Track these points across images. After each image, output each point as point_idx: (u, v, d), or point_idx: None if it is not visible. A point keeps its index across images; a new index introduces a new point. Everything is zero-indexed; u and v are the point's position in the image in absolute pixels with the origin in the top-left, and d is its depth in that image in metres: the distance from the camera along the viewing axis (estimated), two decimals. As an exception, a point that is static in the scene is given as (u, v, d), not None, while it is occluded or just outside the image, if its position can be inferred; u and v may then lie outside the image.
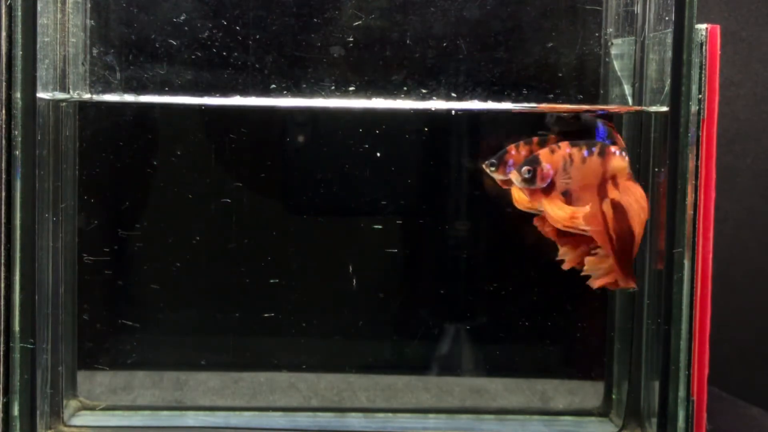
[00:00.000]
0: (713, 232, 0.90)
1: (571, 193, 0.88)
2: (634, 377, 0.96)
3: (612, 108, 0.97)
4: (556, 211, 0.87)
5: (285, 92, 0.94)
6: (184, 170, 0.97)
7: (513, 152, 0.89)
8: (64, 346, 0.95)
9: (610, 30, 0.96)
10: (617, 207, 0.87)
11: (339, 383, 1.00)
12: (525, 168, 0.86)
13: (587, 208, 0.86)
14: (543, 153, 0.87)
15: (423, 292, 1.01)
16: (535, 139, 0.90)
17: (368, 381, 1.01)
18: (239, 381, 1.00)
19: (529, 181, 0.87)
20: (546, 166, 0.86)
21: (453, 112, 0.96)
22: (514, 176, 0.87)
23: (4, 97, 0.85)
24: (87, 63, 0.94)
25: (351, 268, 0.98)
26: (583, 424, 0.99)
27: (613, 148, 0.88)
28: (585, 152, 0.87)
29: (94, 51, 0.94)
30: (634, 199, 0.88)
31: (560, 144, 0.88)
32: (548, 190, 0.87)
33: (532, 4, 0.95)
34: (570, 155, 0.87)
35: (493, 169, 0.89)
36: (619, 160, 0.88)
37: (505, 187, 0.90)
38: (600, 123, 0.90)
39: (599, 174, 0.88)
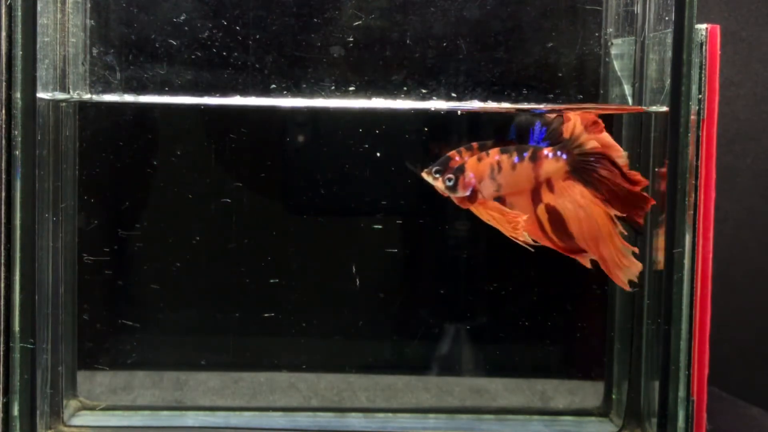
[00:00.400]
0: (713, 232, 0.90)
1: (504, 200, 0.88)
2: (634, 377, 0.96)
3: (612, 108, 0.97)
4: (494, 215, 0.87)
5: (285, 92, 0.94)
6: (184, 170, 0.97)
7: (457, 158, 0.89)
8: (64, 346, 0.95)
9: (610, 30, 0.96)
10: (552, 211, 0.87)
11: (339, 383, 1.00)
12: (447, 176, 0.87)
13: (524, 216, 0.87)
14: (470, 161, 0.87)
15: (423, 292, 1.01)
16: (475, 144, 0.89)
17: (368, 381, 1.01)
18: (239, 381, 1.00)
19: (452, 189, 0.87)
20: (469, 174, 0.87)
21: (459, 112, 0.96)
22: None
23: (4, 97, 0.85)
24: (87, 63, 0.94)
25: (354, 269, 0.98)
26: (583, 424, 0.99)
27: (546, 151, 0.88)
28: (515, 158, 0.87)
29: (94, 51, 0.94)
30: (570, 200, 0.88)
31: (489, 151, 0.87)
32: (473, 198, 0.88)
33: (532, 4, 0.95)
34: (498, 162, 0.87)
35: (437, 176, 0.88)
36: (552, 162, 0.88)
37: (444, 195, 0.90)
38: (538, 124, 0.89)
39: (532, 179, 0.88)
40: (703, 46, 0.88)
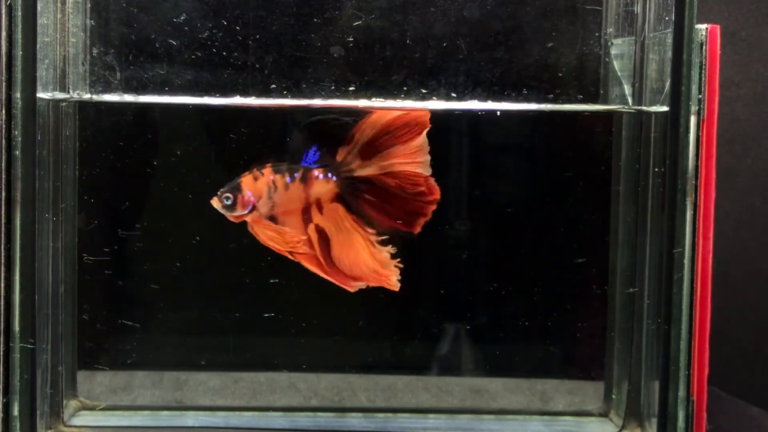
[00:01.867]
0: (713, 232, 0.90)
1: (277, 219, 0.89)
2: (634, 377, 0.96)
3: (612, 108, 0.97)
4: (270, 235, 0.88)
5: (285, 92, 0.94)
6: (184, 170, 0.97)
7: (250, 182, 0.89)
8: (64, 346, 0.95)
9: (610, 30, 0.96)
10: (320, 232, 0.89)
11: (339, 383, 1.00)
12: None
13: (299, 236, 0.89)
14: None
15: (423, 292, 1.01)
16: (269, 165, 0.90)
17: (368, 381, 1.01)
18: (239, 381, 1.00)
19: (230, 208, 0.88)
20: (247, 193, 0.88)
21: (470, 110, 0.96)
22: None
23: (4, 97, 0.85)
24: (87, 63, 0.94)
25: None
26: (583, 424, 0.99)
27: (316, 172, 0.89)
28: (288, 178, 0.89)
29: (94, 51, 0.94)
30: (334, 223, 0.89)
31: (263, 171, 0.89)
32: (250, 216, 0.89)
33: (532, 4, 0.95)
34: (273, 182, 0.89)
35: (228, 202, 0.89)
36: (322, 184, 0.89)
37: (238, 221, 0.90)
38: (314, 147, 0.90)
39: (303, 199, 0.89)
40: (703, 46, 0.88)
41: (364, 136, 0.90)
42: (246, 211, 0.89)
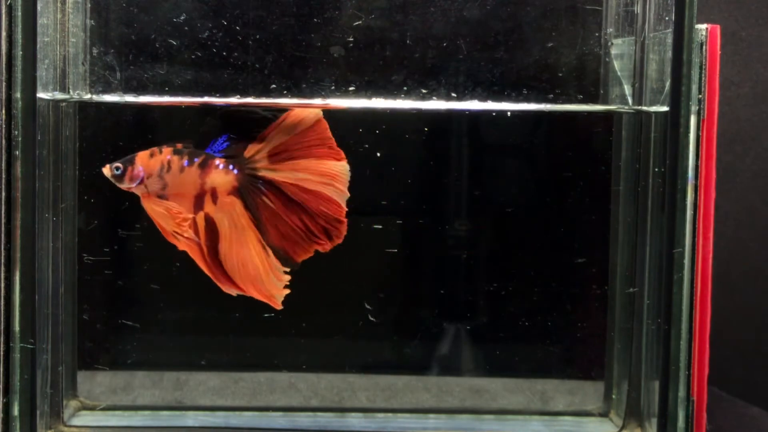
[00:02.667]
0: (713, 232, 0.90)
1: (167, 200, 0.89)
2: (634, 377, 0.96)
3: (612, 108, 0.97)
4: (158, 211, 0.88)
5: (285, 92, 0.94)
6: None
7: (145, 158, 0.89)
8: (64, 346, 0.95)
9: (610, 30, 0.96)
10: (210, 222, 0.88)
11: (339, 383, 1.00)
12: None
13: (190, 216, 0.88)
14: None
15: (423, 292, 1.01)
16: (171, 146, 0.90)
17: (368, 381, 1.01)
18: (239, 381, 1.00)
19: (118, 178, 0.88)
20: (138, 167, 0.88)
21: (470, 111, 0.96)
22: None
23: (4, 97, 0.85)
24: (87, 63, 0.94)
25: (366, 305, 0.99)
26: (583, 424, 0.99)
27: (218, 161, 0.88)
28: (185, 162, 0.88)
29: (94, 51, 0.94)
30: (228, 216, 0.89)
31: (163, 149, 0.88)
32: (139, 191, 0.89)
33: (532, 4, 0.95)
34: (169, 162, 0.88)
35: (117, 172, 0.89)
36: (221, 174, 0.88)
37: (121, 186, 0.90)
38: (225, 136, 0.90)
39: (197, 185, 0.88)
40: (703, 46, 0.88)
41: (276, 138, 0.89)
42: (133, 185, 0.88)
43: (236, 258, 0.89)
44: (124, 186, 0.89)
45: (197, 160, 0.88)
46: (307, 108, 0.90)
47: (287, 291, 0.90)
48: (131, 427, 0.96)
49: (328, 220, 0.90)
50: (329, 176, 0.89)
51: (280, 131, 0.89)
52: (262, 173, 0.89)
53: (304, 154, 0.89)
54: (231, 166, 0.89)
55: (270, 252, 0.90)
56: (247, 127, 0.89)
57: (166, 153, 0.88)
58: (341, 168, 0.89)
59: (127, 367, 0.99)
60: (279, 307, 0.90)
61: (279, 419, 0.98)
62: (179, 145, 0.89)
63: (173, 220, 0.88)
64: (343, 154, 0.89)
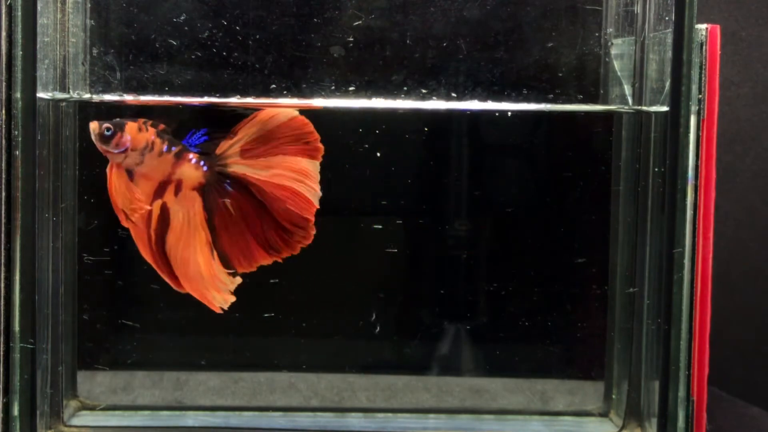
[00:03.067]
0: (713, 232, 0.90)
1: (134, 176, 0.88)
2: (634, 377, 0.96)
3: (612, 108, 0.97)
4: (121, 188, 0.88)
5: (285, 92, 0.94)
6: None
7: (134, 129, 0.89)
8: (64, 346, 0.95)
9: (610, 30, 0.96)
10: (164, 211, 0.89)
11: (339, 383, 1.00)
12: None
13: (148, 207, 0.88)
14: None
15: (423, 292, 1.01)
16: (155, 127, 0.89)
17: (368, 381, 1.01)
18: (239, 381, 1.00)
19: (105, 139, 0.87)
20: (127, 136, 0.87)
21: (470, 110, 0.96)
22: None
23: (4, 97, 0.85)
24: (87, 63, 0.94)
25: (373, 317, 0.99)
26: (583, 424, 0.99)
27: (191, 156, 0.88)
28: (164, 147, 0.88)
29: (94, 51, 0.94)
30: (184, 211, 0.89)
31: (149, 128, 0.88)
32: (116, 159, 0.88)
33: (532, 4, 0.95)
34: (152, 142, 0.88)
35: (108, 134, 0.88)
36: (191, 168, 0.89)
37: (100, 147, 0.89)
38: (204, 130, 0.90)
39: (167, 173, 0.89)
40: (703, 46, 0.88)
41: (249, 134, 0.89)
42: (116, 151, 0.88)
43: (180, 253, 0.89)
44: (105, 147, 0.88)
45: (174, 149, 0.89)
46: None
47: (232, 298, 0.90)
48: (131, 427, 0.96)
49: (294, 220, 0.90)
50: (301, 173, 0.89)
51: (253, 127, 0.89)
52: (233, 169, 0.89)
53: (278, 151, 0.89)
54: (202, 163, 0.89)
55: (216, 255, 0.89)
56: (225, 122, 0.89)
57: (152, 132, 0.88)
58: (312, 166, 0.89)
59: (127, 367, 0.99)
60: (218, 311, 0.90)
61: (279, 419, 0.98)
62: (162, 126, 0.89)
63: (129, 204, 0.88)
64: (319, 153, 0.89)
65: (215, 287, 0.90)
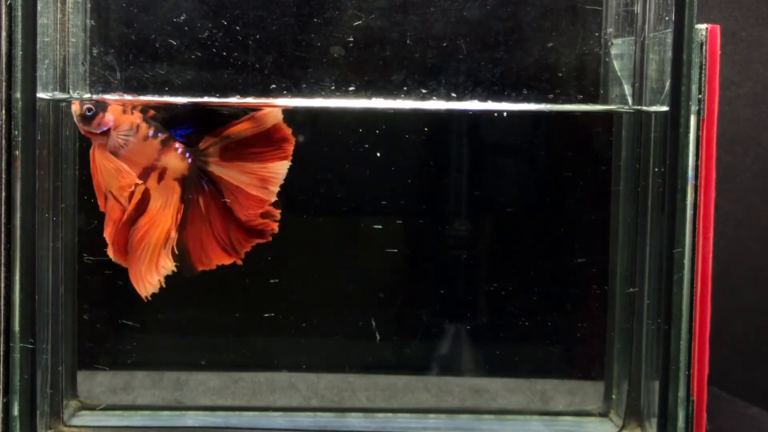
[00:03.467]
0: (713, 232, 0.90)
1: (119, 160, 0.89)
2: (634, 377, 0.96)
3: (612, 108, 0.97)
4: (108, 168, 0.88)
5: (285, 92, 0.94)
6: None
7: (117, 111, 0.89)
8: (64, 346, 0.95)
9: (610, 30, 0.96)
10: (144, 196, 0.89)
11: (339, 383, 1.00)
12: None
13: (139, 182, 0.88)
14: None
15: (423, 292, 1.01)
16: (151, 112, 0.90)
17: (368, 381, 1.01)
18: (239, 381, 1.00)
19: (86, 119, 0.87)
20: (109, 116, 0.87)
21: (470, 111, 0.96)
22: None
23: (4, 97, 0.85)
24: (87, 63, 0.94)
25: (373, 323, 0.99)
26: (583, 424, 0.99)
27: (177, 145, 0.89)
28: (151, 132, 0.88)
29: (94, 51, 0.94)
30: (163, 199, 0.89)
31: (135, 112, 0.89)
32: (99, 141, 0.88)
33: (532, 4, 0.95)
34: (138, 126, 0.88)
35: (89, 114, 0.88)
36: (177, 158, 0.89)
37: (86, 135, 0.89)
38: (189, 124, 0.90)
39: (152, 159, 0.89)
40: (703, 46, 0.88)
41: (232, 136, 0.89)
42: (98, 131, 0.87)
43: (141, 235, 0.89)
44: (86, 128, 0.88)
45: (161, 136, 0.89)
46: (275, 109, 0.90)
47: (155, 288, 0.91)
48: (131, 427, 0.96)
49: (256, 226, 0.91)
50: (270, 182, 0.90)
51: (238, 130, 0.89)
52: (211, 168, 0.90)
53: (252, 157, 0.90)
54: (188, 154, 0.89)
55: (170, 249, 0.90)
56: (216, 120, 0.90)
57: (137, 116, 0.88)
58: (280, 168, 0.90)
59: (127, 367, 0.99)
60: (144, 297, 0.91)
61: (279, 419, 0.98)
62: (152, 113, 0.89)
63: (118, 183, 0.88)
64: (288, 153, 0.90)
65: (149, 275, 0.90)
